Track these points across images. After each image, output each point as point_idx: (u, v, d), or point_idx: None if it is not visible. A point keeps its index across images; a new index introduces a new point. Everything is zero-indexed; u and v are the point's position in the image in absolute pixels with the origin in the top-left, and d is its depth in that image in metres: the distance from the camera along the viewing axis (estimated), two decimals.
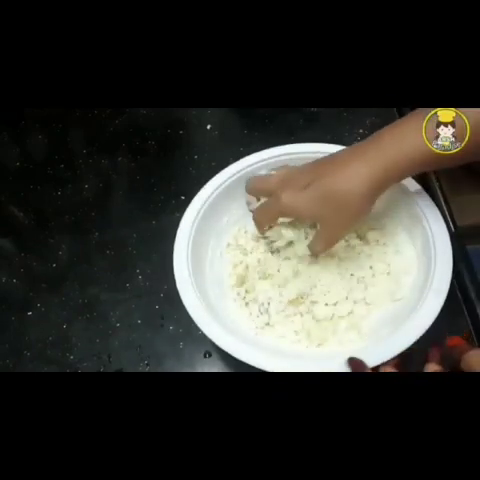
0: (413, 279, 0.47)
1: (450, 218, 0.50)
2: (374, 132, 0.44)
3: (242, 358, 0.40)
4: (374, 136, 0.43)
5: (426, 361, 0.36)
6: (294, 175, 0.46)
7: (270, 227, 0.50)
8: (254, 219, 0.49)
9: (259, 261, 0.51)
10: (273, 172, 0.49)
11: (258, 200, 0.51)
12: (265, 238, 0.51)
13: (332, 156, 0.46)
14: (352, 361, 0.38)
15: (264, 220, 0.49)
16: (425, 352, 0.38)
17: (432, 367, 0.35)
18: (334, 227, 0.45)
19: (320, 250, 0.47)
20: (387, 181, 0.42)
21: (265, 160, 0.52)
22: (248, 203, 0.52)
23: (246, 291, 0.49)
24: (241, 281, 0.50)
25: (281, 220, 0.49)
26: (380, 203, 0.50)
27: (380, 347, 0.39)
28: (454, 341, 0.36)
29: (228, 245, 0.53)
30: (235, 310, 0.48)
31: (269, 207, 0.47)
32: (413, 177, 0.48)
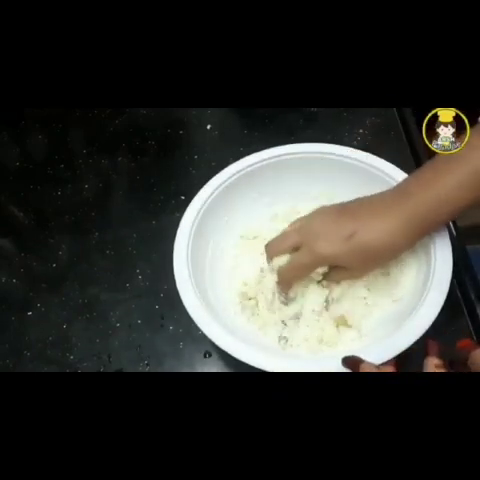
0: (413, 279, 0.47)
1: None
2: (375, 133, 0.44)
3: (242, 358, 0.40)
4: (409, 183, 0.43)
5: (426, 354, 0.36)
6: (326, 225, 0.43)
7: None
8: (282, 279, 0.46)
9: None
10: (287, 228, 0.47)
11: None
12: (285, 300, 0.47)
13: (357, 202, 0.44)
14: (347, 360, 0.38)
15: (296, 278, 0.46)
16: (424, 347, 0.38)
17: (432, 360, 0.35)
18: (362, 272, 0.45)
19: (338, 281, 0.47)
20: (425, 230, 0.42)
21: (265, 160, 0.52)
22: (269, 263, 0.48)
23: (246, 291, 0.49)
24: (243, 282, 0.50)
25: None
26: None
27: (380, 347, 0.39)
28: (464, 343, 0.37)
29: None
30: (235, 310, 0.48)
31: (301, 261, 0.44)
32: None
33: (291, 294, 0.47)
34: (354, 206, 0.44)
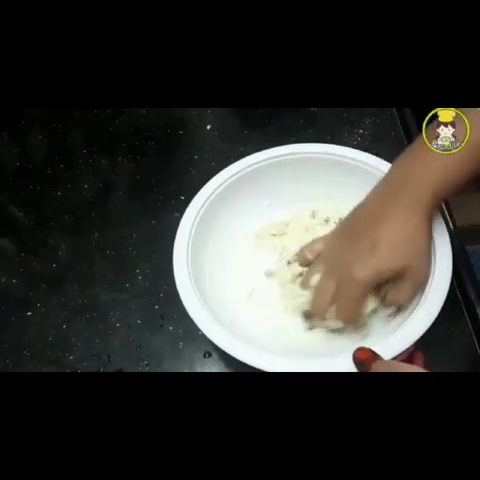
0: None
1: (450, 218, 0.50)
2: (375, 133, 0.44)
3: (242, 358, 0.40)
4: (394, 173, 0.43)
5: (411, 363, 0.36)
6: (346, 253, 0.42)
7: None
8: (347, 323, 0.43)
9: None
10: (309, 256, 0.46)
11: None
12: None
13: (362, 213, 0.43)
14: (360, 354, 0.36)
15: (354, 313, 0.43)
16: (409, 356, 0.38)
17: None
18: (419, 274, 0.42)
19: (406, 300, 0.42)
20: (435, 204, 0.41)
21: (265, 160, 0.52)
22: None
23: (247, 291, 0.49)
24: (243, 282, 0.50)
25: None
26: None
27: (380, 347, 0.39)
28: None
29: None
30: (235, 310, 0.48)
31: (352, 296, 0.42)
32: None
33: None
34: (355, 221, 0.43)
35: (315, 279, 0.45)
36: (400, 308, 0.43)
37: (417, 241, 0.41)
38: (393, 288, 0.42)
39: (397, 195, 0.41)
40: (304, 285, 0.46)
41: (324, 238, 0.47)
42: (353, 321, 0.43)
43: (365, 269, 0.41)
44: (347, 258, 0.42)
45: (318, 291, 0.44)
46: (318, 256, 0.46)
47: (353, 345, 0.43)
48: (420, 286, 0.42)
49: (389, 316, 0.44)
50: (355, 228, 0.43)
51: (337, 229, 0.45)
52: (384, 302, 0.44)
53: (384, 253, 0.40)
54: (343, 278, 0.42)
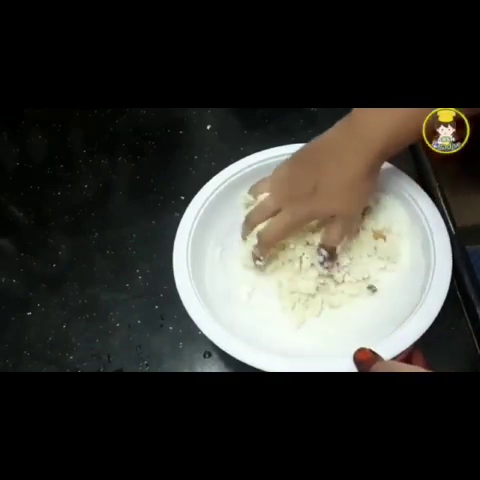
0: (413, 279, 0.47)
1: (450, 218, 0.50)
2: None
3: (242, 358, 0.40)
4: (348, 120, 0.44)
5: (409, 362, 0.36)
6: (291, 184, 0.46)
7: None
8: (263, 241, 0.47)
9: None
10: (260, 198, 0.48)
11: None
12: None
13: (316, 147, 0.46)
14: (360, 355, 0.37)
15: (275, 238, 0.47)
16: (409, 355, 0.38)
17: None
18: (349, 215, 0.45)
19: (337, 240, 0.46)
20: (383, 155, 0.43)
21: (265, 160, 0.52)
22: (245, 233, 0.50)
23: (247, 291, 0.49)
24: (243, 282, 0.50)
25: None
26: (380, 203, 0.50)
27: (380, 347, 0.39)
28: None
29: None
30: (235, 310, 0.48)
31: (282, 222, 0.46)
32: (413, 177, 0.48)
33: (263, 260, 0.48)
34: (304, 152, 0.47)
35: (263, 195, 0.48)
36: (332, 253, 0.46)
37: (356, 188, 0.43)
38: (325, 229, 0.46)
39: (350, 138, 0.43)
40: (253, 193, 0.50)
41: (274, 171, 0.49)
42: (267, 245, 0.47)
43: (300, 210, 0.45)
44: (291, 191, 0.46)
45: (260, 205, 0.48)
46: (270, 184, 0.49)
47: (353, 345, 0.43)
48: (349, 228, 0.47)
49: (322, 265, 0.47)
50: (305, 163, 0.46)
51: (290, 158, 0.48)
52: (316, 247, 0.47)
53: (322, 198, 0.44)
54: (283, 207, 0.46)
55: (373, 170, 0.43)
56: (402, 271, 0.48)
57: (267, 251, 0.48)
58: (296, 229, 0.47)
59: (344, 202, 0.44)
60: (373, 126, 0.42)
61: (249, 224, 0.49)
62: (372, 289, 0.47)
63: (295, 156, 0.47)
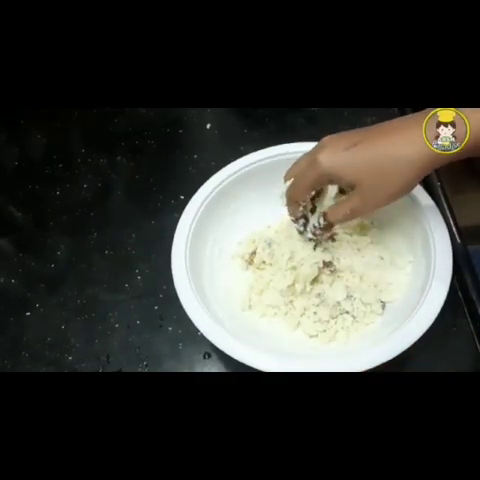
0: (413, 279, 0.47)
1: (451, 218, 0.50)
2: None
3: (241, 359, 0.40)
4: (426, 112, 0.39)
5: None
6: (333, 139, 0.41)
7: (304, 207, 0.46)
8: (288, 196, 0.45)
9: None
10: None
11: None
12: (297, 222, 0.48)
13: (378, 124, 0.41)
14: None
15: (299, 193, 0.43)
16: None
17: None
18: (371, 195, 0.40)
19: (341, 219, 0.43)
20: (439, 159, 0.38)
21: (265, 159, 0.52)
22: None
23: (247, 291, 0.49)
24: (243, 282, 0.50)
25: None
26: None
27: (380, 347, 0.39)
28: None
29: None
30: (234, 310, 0.48)
31: (304, 175, 0.42)
32: None
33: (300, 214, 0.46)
34: (363, 128, 0.41)
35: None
36: (328, 226, 0.45)
37: (397, 173, 0.39)
38: (336, 202, 0.44)
39: (415, 128, 0.39)
40: (288, 177, 0.46)
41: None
42: (293, 201, 0.45)
43: (329, 157, 0.40)
44: (328, 143, 0.41)
45: (299, 178, 0.44)
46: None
47: (353, 346, 0.43)
48: (357, 214, 0.42)
49: (312, 230, 0.46)
50: (365, 129, 0.41)
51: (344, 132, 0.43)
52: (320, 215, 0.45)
53: (352, 157, 0.39)
54: (311, 155, 0.41)
55: (422, 166, 0.39)
56: (402, 271, 0.48)
57: (297, 209, 0.45)
58: (321, 182, 0.42)
59: (372, 177, 0.39)
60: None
61: (291, 197, 0.45)
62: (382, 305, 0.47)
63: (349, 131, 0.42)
